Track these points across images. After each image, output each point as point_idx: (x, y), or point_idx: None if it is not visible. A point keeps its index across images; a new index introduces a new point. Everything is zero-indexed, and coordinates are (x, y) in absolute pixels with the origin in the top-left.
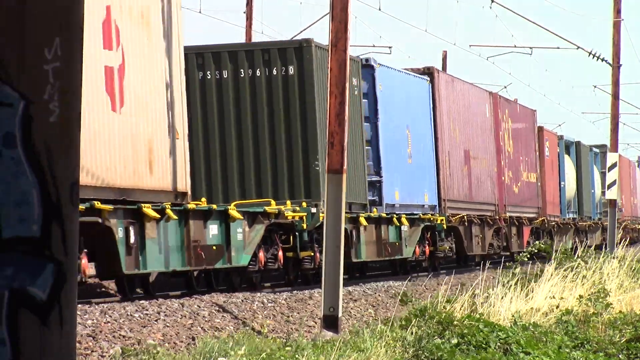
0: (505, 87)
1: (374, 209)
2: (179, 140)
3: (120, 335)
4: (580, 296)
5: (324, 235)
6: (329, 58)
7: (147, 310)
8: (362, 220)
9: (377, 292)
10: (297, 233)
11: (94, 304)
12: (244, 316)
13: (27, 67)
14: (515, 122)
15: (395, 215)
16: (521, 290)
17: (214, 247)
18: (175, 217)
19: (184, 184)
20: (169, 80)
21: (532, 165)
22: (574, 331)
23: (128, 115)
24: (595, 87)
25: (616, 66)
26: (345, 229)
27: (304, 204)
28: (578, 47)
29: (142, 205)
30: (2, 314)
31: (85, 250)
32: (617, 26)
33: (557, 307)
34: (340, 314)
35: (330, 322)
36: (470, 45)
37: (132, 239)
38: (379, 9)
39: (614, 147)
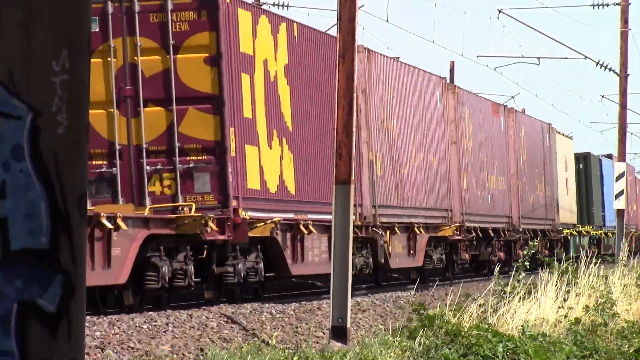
0: (513, 98)
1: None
2: None
3: (128, 346)
4: (587, 306)
5: (332, 246)
6: (337, 69)
7: (155, 321)
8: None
9: (385, 303)
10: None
11: (102, 315)
12: (253, 327)
13: (35, 80)
14: (630, 174)
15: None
16: (529, 299)
17: None
18: None
19: None
20: None
21: (636, 200)
22: (582, 341)
23: None
24: (603, 97)
25: (624, 76)
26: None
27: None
28: (586, 57)
29: None
30: (11, 326)
31: None
32: (624, 36)
33: (566, 316)
34: (348, 325)
35: (339, 332)
36: (477, 56)
37: None
38: (387, 20)
39: (622, 157)
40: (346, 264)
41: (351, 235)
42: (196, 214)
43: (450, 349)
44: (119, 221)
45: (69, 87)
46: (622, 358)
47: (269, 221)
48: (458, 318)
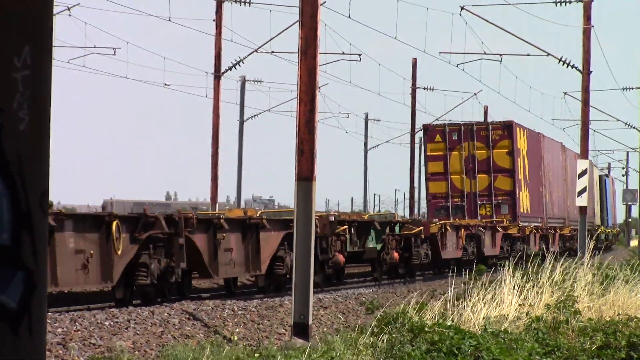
0: (476, 95)
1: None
2: None
3: (90, 343)
4: (548, 304)
5: (294, 243)
6: (299, 65)
7: (117, 318)
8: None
9: (347, 300)
10: None
11: (64, 312)
12: (214, 324)
13: None
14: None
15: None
16: (492, 296)
17: None
18: None
19: None
20: None
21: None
22: (544, 338)
23: None
24: (565, 94)
25: (586, 73)
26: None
27: None
28: (548, 54)
29: None
30: None
31: None
32: (587, 33)
33: (527, 313)
34: (310, 322)
35: (301, 329)
36: (440, 53)
37: None
38: (349, 17)
39: (584, 154)
40: (308, 260)
41: (313, 232)
42: (512, 224)
43: (413, 346)
44: (501, 227)
45: (31, 83)
46: (584, 355)
47: (528, 227)
48: (421, 315)
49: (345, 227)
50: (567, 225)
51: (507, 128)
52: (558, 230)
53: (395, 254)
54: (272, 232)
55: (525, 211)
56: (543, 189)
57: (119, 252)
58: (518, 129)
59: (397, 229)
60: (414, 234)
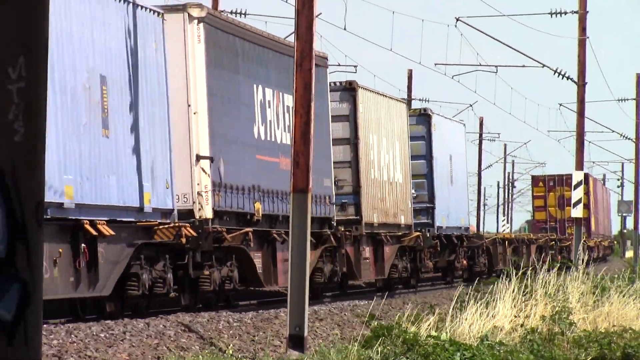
0: (471, 106)
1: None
2: None
3: (85, 355)
4: (543, 316)
5: (289, 255)
6: (294, 77)
7: (112, 330)
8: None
9: (343, 312)
10: None
11: (60, 323)
12: (210, 336)
13: None
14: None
15: None
16: (486, 308)
17: None
18: None
19: None
20: None
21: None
22: (539, 350)
23: None
24: (560, 105)
25: (581, 84)
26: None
27: None
28: (543, 66)
29: None
30: None
31: None
32: (582, 44)
33: (522, 325)
34: (306, 334)
35: (296, 341)
36: (435, 64)
37: None
38: (345, 29)
39: (580, 166)
40: (304, 272)
41: (308, 244)
42: None
43: (407, 358)
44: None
45: (26, 95)
46: None
47: (596, 240)
48: (416, 327)
49: (553, 242)
50: (605, 238)
51: (585, 177)
52: (602, 242)
53: (558, 257)
54: (529, 245)
55: (595, 230)
56: (596, 214)
57: None
58: (590, 177)
59: (557, 242)
60: (566, 245)
